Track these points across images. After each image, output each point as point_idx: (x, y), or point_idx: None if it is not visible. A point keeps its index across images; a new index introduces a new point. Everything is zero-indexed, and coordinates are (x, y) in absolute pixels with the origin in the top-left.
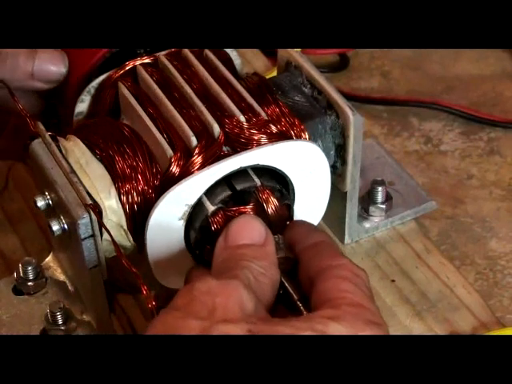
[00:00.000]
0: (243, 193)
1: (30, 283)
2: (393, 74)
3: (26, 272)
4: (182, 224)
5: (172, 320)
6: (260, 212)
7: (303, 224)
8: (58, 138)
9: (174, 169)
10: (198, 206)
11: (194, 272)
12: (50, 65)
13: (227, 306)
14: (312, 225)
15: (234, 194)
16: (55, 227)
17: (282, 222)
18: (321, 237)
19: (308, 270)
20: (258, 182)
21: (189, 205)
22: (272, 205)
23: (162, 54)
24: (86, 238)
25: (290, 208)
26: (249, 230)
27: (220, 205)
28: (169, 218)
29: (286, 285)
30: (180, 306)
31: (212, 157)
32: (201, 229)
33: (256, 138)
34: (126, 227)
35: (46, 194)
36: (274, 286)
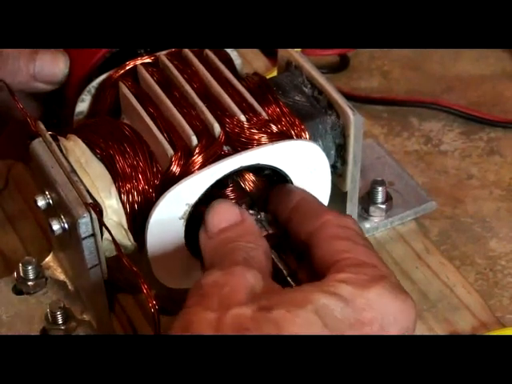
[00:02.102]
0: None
1: (30, 283)
2: (393, 73)
3: (26, 272)
4: (182, 223)
5: (187, 317)
6: (240, 191)
7: (280, 190)
8: (59, 137)
9: (175, 168)
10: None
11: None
12: (52, 65)
13: (235, 292)
14: (288, 186)
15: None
16: (55, 227)
17: (264, 196)
18: (297, 195)
19: (298, 238)
20: None
21: (189, 204)
22: (248, 181)
23: (162, 54)
24: (86, 238)
25: (270, 179)
26: (222, 213)
27: None
28: (169, 217)
29: (276, 261)
30: (192, 303)
31: (212, 156)
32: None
33: (256, 137)
34: (126, 226)
35: (47, 193)
36: (267, 254)
